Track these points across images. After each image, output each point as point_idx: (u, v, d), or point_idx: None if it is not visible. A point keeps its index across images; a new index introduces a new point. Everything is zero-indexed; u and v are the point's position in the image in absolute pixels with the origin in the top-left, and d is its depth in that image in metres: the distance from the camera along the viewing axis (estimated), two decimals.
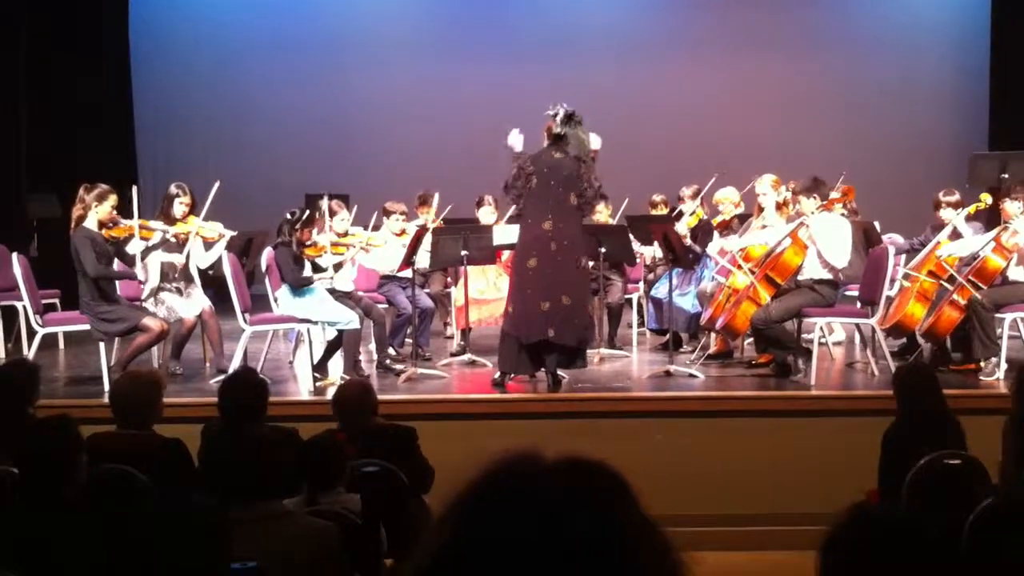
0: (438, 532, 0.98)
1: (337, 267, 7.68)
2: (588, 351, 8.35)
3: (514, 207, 7.19)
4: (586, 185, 6.91)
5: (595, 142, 7.07)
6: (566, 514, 0.96)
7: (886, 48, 12.64)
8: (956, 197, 8.03)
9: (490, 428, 6.47)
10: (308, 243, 7.62)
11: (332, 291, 7.64)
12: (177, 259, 7.65)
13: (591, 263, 8.49)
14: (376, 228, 8.59)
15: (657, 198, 9.55)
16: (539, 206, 6.90)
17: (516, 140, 6.99)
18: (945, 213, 7.95)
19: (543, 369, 7.03)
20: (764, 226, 8.01)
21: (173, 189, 7.81)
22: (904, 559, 2.27)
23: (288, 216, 7.57)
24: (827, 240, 7.27)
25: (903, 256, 8.29)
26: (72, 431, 3.88)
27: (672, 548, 1.01)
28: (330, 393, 5.75)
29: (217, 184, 7.76)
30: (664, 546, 1.00)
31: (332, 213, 8.03)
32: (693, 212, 8.78)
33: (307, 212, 7.69)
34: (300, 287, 7.48)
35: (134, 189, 7.59)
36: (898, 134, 12.44)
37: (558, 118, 6.89)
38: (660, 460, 6.29)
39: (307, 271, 7.61)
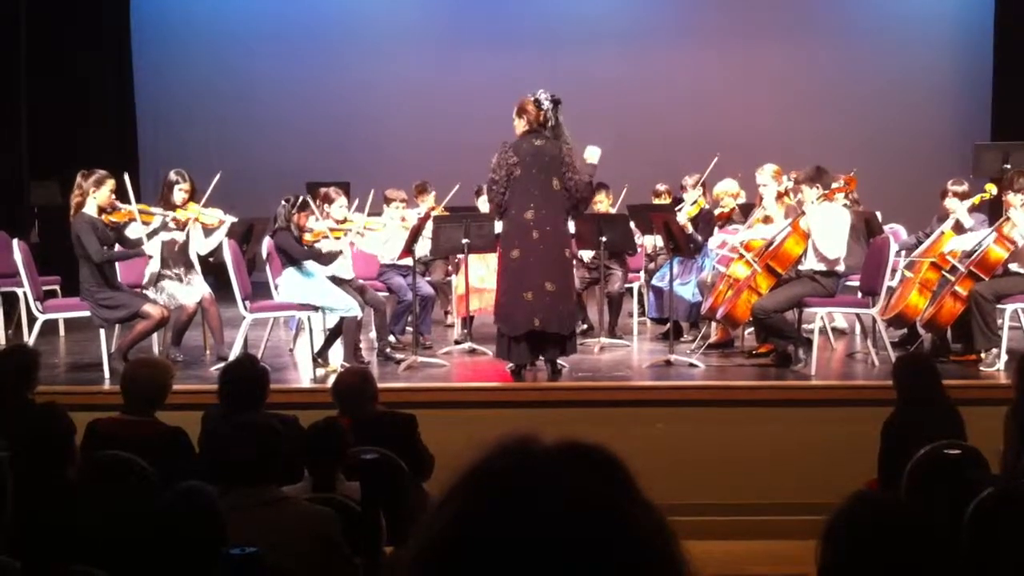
0: (436, 518, 0.98)
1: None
2: (589, 340, 8.41)
3: (491, 205, 7.14)
4: (568, 171, 6.83)
5: (593, 155, 7.02)
6: (565, 498, 0.96)
7: (889, 38, 12.61)
8: (964, 187, 7.99)
9: (490, 416, 6.47)
10: (306, 229, 7.61)
11: (332, 278, 7.63)
12: (177, 235, 7.62)
13: (589, 253, 8.53)
14: (376, 215, 8.57)
15: (661, 188, 9.51)
16: (522, 195, 6.84)
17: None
18: (950, 202, 7.93)
19: (542, 358, 7.03)
20: (765, 216, 7.99)
21: (173, 176, 7.78)
22: (904, 546, 2.27)
23: (284, 202, 7.56)
24: (822, 231, 7.25)
25: (903, 252, 8.25)
26: (61, 418, 3.88)
27: (671, 530, 1.00)
28: (330, 381, 5.75)
29: (219, 175, 7.76)
30: (664, 529, 1.00)
31: (330, 200, 8.01)
32: (694, 202, 8.75)
33: (301, 198, 7.68)
34: (310, 260, 7.45)
35: (125, 176, 7.58)
36: (901, 124, 12.41)
37: (547, 105, 6.82)
38: (660, 449, 6.29)
39: None
